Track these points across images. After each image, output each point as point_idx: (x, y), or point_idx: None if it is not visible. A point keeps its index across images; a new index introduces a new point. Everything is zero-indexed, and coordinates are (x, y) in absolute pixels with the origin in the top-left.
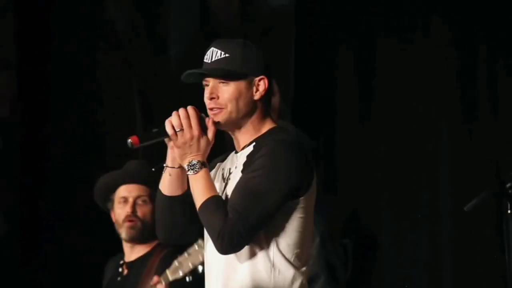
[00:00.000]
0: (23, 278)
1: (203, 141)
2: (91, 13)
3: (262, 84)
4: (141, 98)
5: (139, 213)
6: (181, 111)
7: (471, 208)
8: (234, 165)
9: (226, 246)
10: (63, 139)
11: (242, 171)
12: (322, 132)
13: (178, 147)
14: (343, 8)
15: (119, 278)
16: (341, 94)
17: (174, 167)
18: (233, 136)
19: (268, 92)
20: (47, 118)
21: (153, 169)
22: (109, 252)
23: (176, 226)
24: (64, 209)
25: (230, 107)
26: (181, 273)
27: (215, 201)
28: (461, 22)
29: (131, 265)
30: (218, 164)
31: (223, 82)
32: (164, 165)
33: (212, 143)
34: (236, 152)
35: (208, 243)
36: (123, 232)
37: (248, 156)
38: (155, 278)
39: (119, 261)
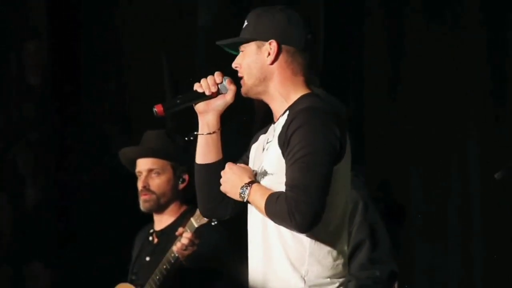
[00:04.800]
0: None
1: (219, 101)
2: None
3: (272, 48)
4: (170, 70)
5: (152, 186)
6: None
7: (501, 176)
8: (272, 135)
9: (302, 222)
10: (94, 109)
11: (279, 144)
12: (350, 102)
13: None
14: None
15: (149, 247)
16: (370, 64)
17: (204, 134)
18: (269, 106)
19: (288, 56)
20: (78, 87)
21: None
22: (140, 222)
23: (212, 196)
24: (94, 178)
25: (246, 74)
26: (206, 219)
27: (272, 195)
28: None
29: (160, 233)
30: (261, 136)
31: (241, 51)
32: (196, 133)
33: (231, 102)
34: (274, 123)
35: (250, 217)
36: (140, 205)
37: (282, 127)
38: (180, 229)
39: (149, 230)
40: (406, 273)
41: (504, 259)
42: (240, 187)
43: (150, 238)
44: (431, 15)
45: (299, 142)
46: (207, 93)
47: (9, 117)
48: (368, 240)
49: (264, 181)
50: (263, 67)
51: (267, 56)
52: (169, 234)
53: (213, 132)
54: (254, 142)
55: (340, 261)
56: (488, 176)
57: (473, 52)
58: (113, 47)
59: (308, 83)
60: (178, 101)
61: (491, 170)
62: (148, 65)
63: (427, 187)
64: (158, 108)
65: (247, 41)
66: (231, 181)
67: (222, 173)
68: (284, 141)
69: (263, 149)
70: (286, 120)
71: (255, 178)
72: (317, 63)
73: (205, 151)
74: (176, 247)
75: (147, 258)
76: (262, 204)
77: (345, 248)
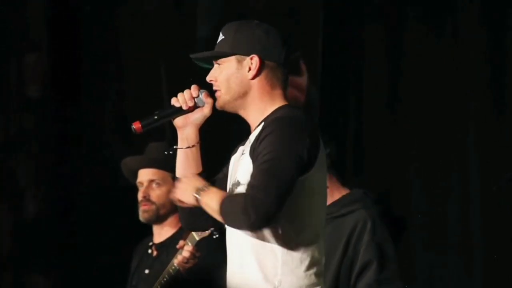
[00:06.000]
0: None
1: (197, 114)
2: None
3: (254, 63)
4: (168, 80)
5: (153, 196)
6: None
7: (499, 188)
8: (248, 146)
9: (255, 219)
10: (94, 119)
11: (250, 153)
12: (350, 112)
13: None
14: None
15: (148, 260)
16: (369, 74)
17: (183, 147)
18: (245, 119)
19: (267, 71)
20: (77, 98)
21: (165, 153)
22: (140, 233)
23: (192, 210)
24: (95, 189)
25: (223, 88)
26: (207, 231)
27: (228, 195)
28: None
29: (160, 246)
30: (239, 148)
31: (218, 64)
32: (175, 147)
33: (209, 115)
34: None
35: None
36: (140, 215)
37: (254, 139)
38: (181, 242)
39: (148, 243)
40: (406, 274)
41: (504, 260)
42: (195, 190)
43: (149, 250)
44: (431, 22)
45: (266, 147)
46: (184, 107)
47: (9, 128)
48: (376, 261)
49: (237, 191)
50: (243, 82)
51: (248, 71)
52: (168, 247)
53: (193, 146)
54: (233, 154)
55: (313, 271)
56: (488, 181)
57: (472, 55)
58: (113, 59)
59: (285, 96)
60: (155, 117)
61: (491, 175)
62: (148, 77)
63: (427, 189)
64: (136, 125)
65: (228, 55)
66: (183, 188)
67: (176, 183)
68: (254, 149)
69: (239, 160)
70: (260, 131)
71: (209, 186)
72: (316, 74)
73: (185, 165)
74: (177, 260)
75: (146, 271)
76: (217, 204)
77: (321, 257)
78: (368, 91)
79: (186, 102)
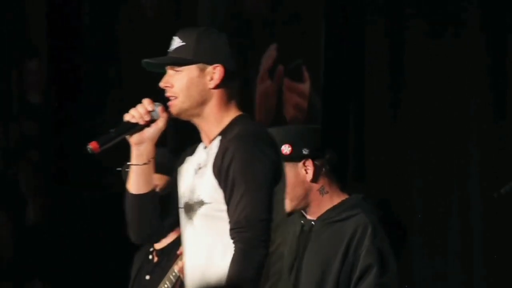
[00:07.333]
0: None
1: (152, 129)
2: None
3: (217, 72)
4: None
5: None
6: (138, 106)
7: (501, 195)
8: (203, 161)
9: (260, 255)
10: (94, 126)
11: (214, 173)
12: (352, 119)
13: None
14: None
15: (149, 266)
16: (370, 80)
17: (140, 164)
18: (198, 127)
19: (227, 81)
20: (78, 105)
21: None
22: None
23: (148, 224)
24: (96, 196)
25: (181, 96)
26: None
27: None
28: (495, 12)
29: (161, 252)
30: (187, 158)
31: (176, 71)
32: (131, 163)
33: (163, 128)
34: (205, 147)
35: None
36: None
37: (216, 156)
38: (182, 248)
39: (149, 248)
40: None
41: (506, 265)
42: None
43: (150, 256)
44: (433, 25)
45: (237, 177)
46: (141, 123)
47: (10, 135)
48: (376, 265)
49: (201, 210)
50: (203, 91)
51: (210, 80)
52: (169, 253)
53: (149, 162)
54: (180, 164)
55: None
56: (489, 187)
57: (474, 58)
58: (114, 65)
59: (239, 105)
60: (112, 135)
61: (493, 180)
62: (148, 83)
63: (428, 194)
64: (92, 145)
65: (192, 62)
66: None
67: None
68: (220, 172)
69: (195, 173)
70: (220, 148)
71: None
72: (319, 81)
73: (140, 181)
74: (178, 266)
75: (147, 277)
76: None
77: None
78: (370, 96)
79: (143, 118)
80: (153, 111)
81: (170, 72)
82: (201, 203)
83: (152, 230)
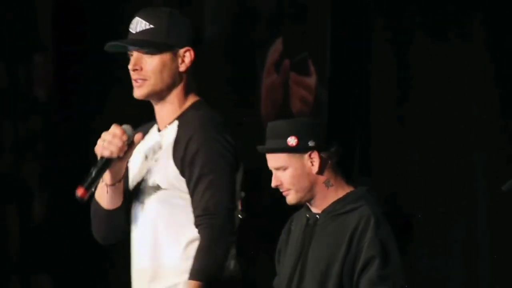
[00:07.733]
0: None
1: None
2: None
3: (188, 56)
4: None
5: None
6: (104, 135)
7: (509, 188)
8: (159, 145)
9: (226, 242)
10: (101, 121)
11: (175, 161)
12: (358, 114)
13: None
14: None
15: None
16: (377, 74)
17: (115, 184)
18: (156, 108)
19: (194, 63)
20: (85, 101)
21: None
22: None
23: (116, 230)
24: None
25: (153, 79)
26: None
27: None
28: (499, 14)
29: None
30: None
31: (147, 54)
32: (102, 183)
33: (137, 145)
34: (159, 130)
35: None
36: None
37: (175, 143)
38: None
39: None
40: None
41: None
42: None
43: None
44: (439, 24)
45: (205, 166)
46: (121, 155)
47: (16, 130)
48: (379, 257)
49: (156, 195)
50: (175, 74)
51: (181, 63)
52: None
53: (123, 176)
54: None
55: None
56: (495, 182)
57: (480, 59)
58: (120, 62)
59: (197, 90)
60: (93, 176)
61: (498, 176)
62: None
63: (433, 189)
64: (79, 192)
65: (164, 47)
66: None
67: None
68: (183, 161)
69: (146, 157)
70: (180, 135)
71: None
72: (325, 75)
73: (112, 197)
74: None
75: None
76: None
77: None
78: (376, 91)
79: (122, 150)
80: (127, 138)
81: (137, 55)
82: (156, 187)
83: (120, 233)
